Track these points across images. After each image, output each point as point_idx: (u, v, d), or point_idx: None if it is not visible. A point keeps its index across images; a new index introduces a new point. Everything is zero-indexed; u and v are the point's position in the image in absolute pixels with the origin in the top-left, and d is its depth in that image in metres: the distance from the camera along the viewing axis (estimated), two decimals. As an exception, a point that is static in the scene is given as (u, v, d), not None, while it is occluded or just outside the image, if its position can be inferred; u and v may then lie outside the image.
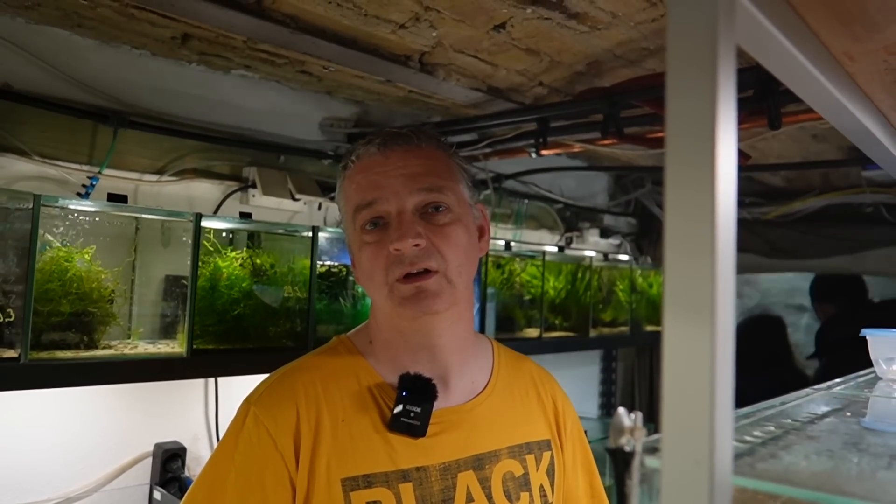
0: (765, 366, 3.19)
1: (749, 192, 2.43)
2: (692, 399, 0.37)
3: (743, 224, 2.52)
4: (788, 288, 4.32)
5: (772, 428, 0.57)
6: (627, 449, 0.45)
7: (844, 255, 2.42)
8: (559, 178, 2.30)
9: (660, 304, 2.43)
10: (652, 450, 0.43)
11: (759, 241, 2.56)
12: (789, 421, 0.60)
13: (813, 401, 0.74)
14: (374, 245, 0.91)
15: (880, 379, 0.93)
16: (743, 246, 2.61)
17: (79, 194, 1.23)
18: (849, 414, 0.66)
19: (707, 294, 0.36)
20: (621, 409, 0.45)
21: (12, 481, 1.26)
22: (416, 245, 0.88)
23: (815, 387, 0.84)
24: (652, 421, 2.43)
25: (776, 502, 0.52)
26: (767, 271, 3.04)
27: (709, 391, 0.36)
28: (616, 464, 0.45)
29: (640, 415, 0.46)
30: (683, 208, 0.37)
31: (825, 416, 0.65)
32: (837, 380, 0.92)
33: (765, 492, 0.40)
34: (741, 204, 2.40)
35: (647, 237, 2.72)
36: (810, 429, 0.57)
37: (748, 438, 0.52)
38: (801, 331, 4.07)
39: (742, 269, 3.12)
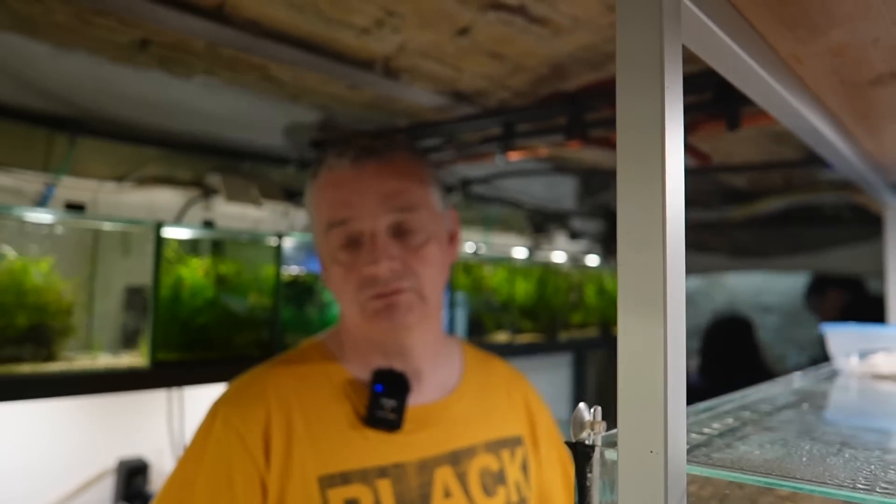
0: (735, 366, 3.24)
1: (714, 193, 2.47)
2: (646, 392, 0.37)
3: (708, 225, 2.56)
4: (755, 288, 4.41)
5: (730, 420, 0.58)
6: (588, 443, 0.45)
7: (807, 254, 2.48)
8: (527, 183, 2.32)
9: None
10: (611, 443, 0.43)
11: (724, 242, 2.61)
12: (748, 413, 0.61)
13: (772, 394, 0.76)
14: (347, 265, 0.92)
15: (838, 373, 0.95)
16: (709, 247, 2.66)
17: (37, 205, 1.20)
18: (806, 406, 0.68)
19: (658, 292, 0.37)
20: (582, 405, 0.46)
21: (-33, 501, 1.22)
22: (391, 268, 0.89)
23: (775, 380, 0.86)
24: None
25: (742, 491, 0.53)
26: (733, 270, 3.10)
27: (662, 384, 0.37)
28: (576, 457, 0.45)
29: (599, 409, 0.46)
30: (633, 200, 0.38)
31: (783, 408, 0.66)
32: (797, 373, 0.94)
33: (719, 479, 0.40)
34: (706, 205, 2.44)
35: (614, 239, 2.74)
36: (767, 420, 0.58)
37: (706, 430, 0.53)
38: (769, 331, 4.15)
39: (708, 269, 3.17)
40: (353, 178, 0.93)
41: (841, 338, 0.98)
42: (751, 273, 3.73)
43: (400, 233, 0.92)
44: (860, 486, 0.37)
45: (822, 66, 0.60)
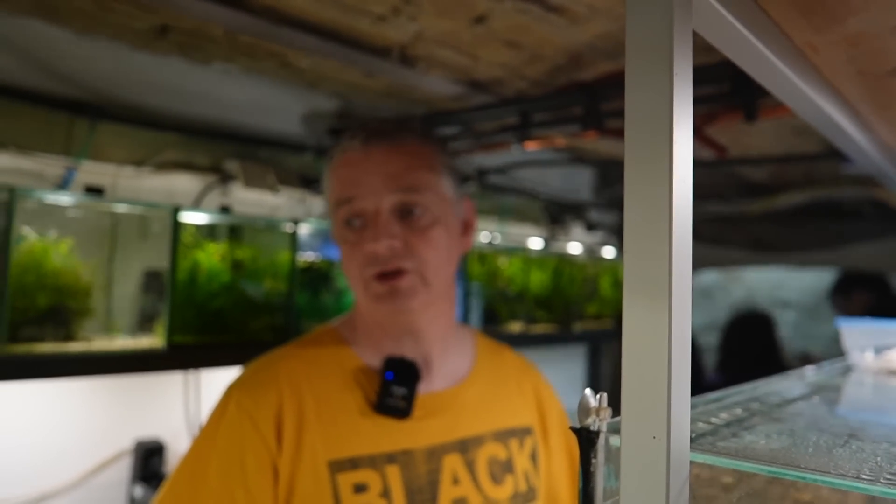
0: (754, 362, 3.22)
1: (732, 187, 2.45)
2: (650, 379, 0.37)
3: (726, 219, 2.53)
4: (774, 283, 4.36)
5: (739, 411, 0.57)
6: (593, 428, 0.46)
7: (827, 249, 2.45)
8: (543, 173, 2.31)
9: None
10: (616, 430, 0.44)
11: (742, 236, 2.58)
12: (757, 404, 0.61)
13: (784, 387, 0.75)
14: (351, 243, 0.93)
15: (853, 368, 0.95)
16: (726, 240, 2.63)
17: (58, 188, 1.23)
18: (816, 399, 0.67)
19: (664, 281, 0.37)
20: (588, 391, 0.46)
21: (-10, 477, 1.26)
22: (391, 246, 0.90)
23: (787, 373, 0.85)
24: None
25: (753, 480, 0.53)
26: (751, 265, 3.06)
27: (666, 371, 0.37)
28: (581, 443, 0.46)
29: (605, 396, 0.46)
30: (640, 188, 0.38)
31: (793, 400, 0.66)
32: (810, 367, 0.93)
33: (722, 467, 0.40)
34: (724, 199, 2.41)
35: (631, 232, 2.73)
36: (776, 412, 0.58)
37: (714, 420, 0.53)
38: (788, 326, 4.11)
39: (725, 263, 3.14)
40: (363, 158, 0.94)
41: (856, 333, 0.97)
42: (770, 267, 3.68)
43: (405, 213, 0.93)
44: (864, 476, 0.37)
45: (838, 56, 0.59)
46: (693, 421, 0.53)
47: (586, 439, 0.45)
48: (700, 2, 0.42)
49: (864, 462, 0.40)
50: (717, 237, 2.62)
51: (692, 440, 0.47)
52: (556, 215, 2.44)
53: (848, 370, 0.94)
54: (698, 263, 3.01)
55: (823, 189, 2.18)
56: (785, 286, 4.26)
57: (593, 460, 0.45)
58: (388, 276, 0.91)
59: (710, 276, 4.40)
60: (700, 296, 4.35)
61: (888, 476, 0.38)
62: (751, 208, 2.42)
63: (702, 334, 3.88)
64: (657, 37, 0.37)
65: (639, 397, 0.37)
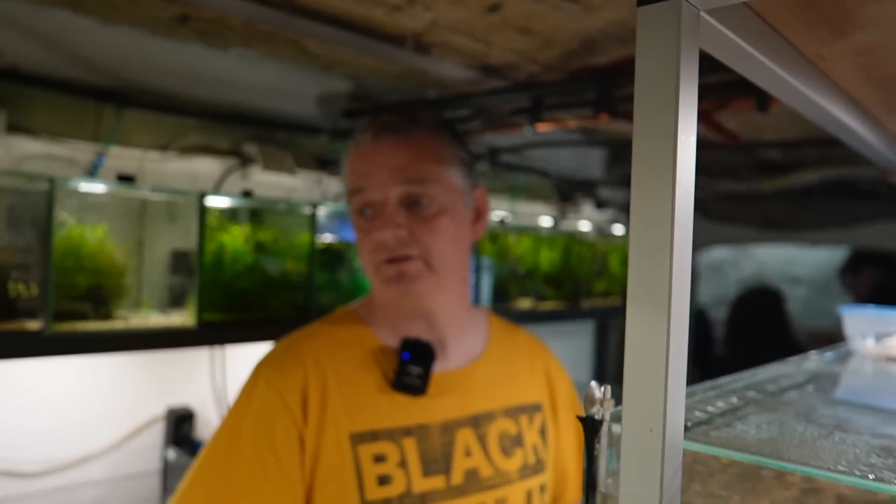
0: (762, 337, 3.25)
1: (745, 165, 2.45)
2: (649, 379, 0.42)
3: (738, 197, 2.55)
4: (786, 259, 4.37)
5: (734, 399, 0.62)
6: (597, 417, 0.50)
7: (840, 228, 2.46)
8: (555, 152, 2.33)
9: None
10: (618, 418, 0.48)
11: (754, 214, 2.59)
12: (752, 393, 0.65)
13: (782, 374, 0.79)
14: (364, 231, 0.98)
15: (853, 354, 0.98)
16: (738, 218, 2.65)
17: (88, 173, 1.28)
18: (811, 387, 0.71)
19: (664, 285, 0.41)
20: (593, 383, 0.50)
21: (37, 441, 1.35)
22: (397, 236, 0.95)
23: (788, 359, 0.89)
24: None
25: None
26: (762, 243, 3.07)
27: (663, 373, 0.41)
28: (586, 430, 0.50)
29: (608, 388, 0.51)
30: (645, 189, 0.41)
31: (789, 388, 0.70)
32: (812, 352, 0.97)
33: (713, 456, 0.45)
34: (736, 177, 2.42)
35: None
36: (770, 401, 0.62)
37: (710, 409, 0.57)
38: (798, 302, 4.13)
39: (736, 240, 3.16)
40: (373, 151, 0.99)
41: (858, 320, 1.01)
42: (781, 244, 3.69)
43: (412, 204, 0.97)
44: (841, 467, 0.42)
45: (847, 65, 0.61)
46: (690, 409, 0.57)
47: (591, 427, 0.50)
48: (706, 24, 0.45)
49: (843, 454, 0.45)
50: (729, 215, 2.64)
51: (688, 428, 0.52)
52: (567, 193, 2.47)
53: (848, 356, 0.98)
54: (709, 240, 3.01)
55: (838, 168, 2.18)
56: (797, 262, 4.26)
57: (597, 445, 0.50)
58: (397, 259, 0.96)
59: (721, 252, 4.41)
60: (710, 271, 4.36)
61: (862, 468, 0.42)
62: (763, 186, 2.43)
63: (711, 309, 3.92)
64: (665, 59, 0.41)
65: (638, 395, 0.42)
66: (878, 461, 0.43)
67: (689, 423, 0.53)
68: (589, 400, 0.51)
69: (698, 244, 2.73)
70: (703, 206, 2.68)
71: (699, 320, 3.27)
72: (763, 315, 3.40)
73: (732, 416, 0.55)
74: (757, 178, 2.45)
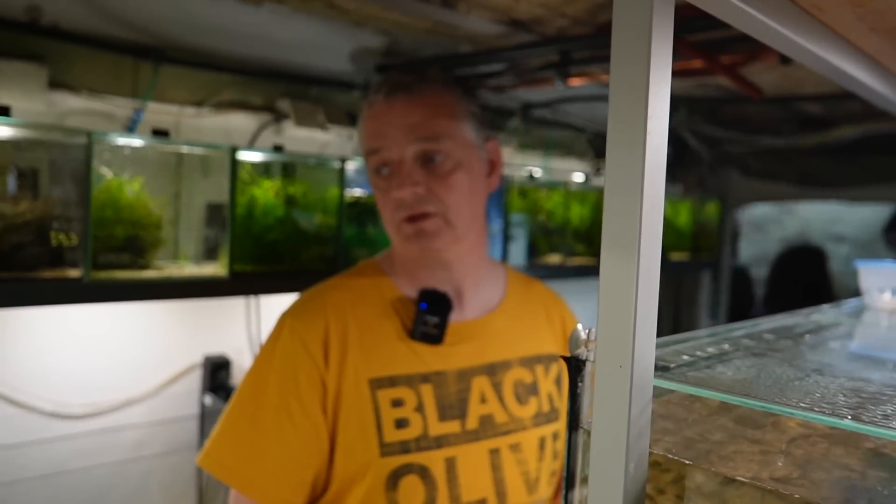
0: (804, 296, 3.20)
1: (785, 120, 2.38)
2: (618, 316, 0.44)
3: (777, 152, 2.48)
4: (830, 217, 4.24)
5: (726, 346, 0.64)
6: (582, 357, 0.53)
7: (880, 185, 2.38)
8: (591, 107, 2.30)
9: (686, 232, 2.46)
10: (603, 359, 0.51)
11: (793, 170, 2.53)
12: (747, 340, 0.67)
13: (787, 324, 0.81)
14: (382, 190, 1.02)
15: (866, 308, 0.98)
16: (777, 174, 2.58)
17: (127, 128, 1.34)
18: (809, 336, 0.73)
19: (634, 228, 0.43)
20: (579, 325, 0.54)
21: (81, 385, 1.45)
22: (414, 193, 0.98)
23: (797, 311, 0.90)
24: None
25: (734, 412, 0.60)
26: (803, 199, 2.99)
27: (632, 308, 0.44)
28: (570, 369, 0.54)
29: (593, 329, 0.54)
30: (618, 160, 0.44)
31: (787, 337, 0.72)
32: (825, 305, 0.97)
33: (684, 393, 0.48)
34: (776, 132, 2.36)
35: (678, 165, 2.71)
36: (760, 347, 0.64)
37: (698, 353, 0.60)
38: (841, 261, 4.02)
39: (775, 197, 3.09)
40: (386, 111, 1.01)
41: (874, 274, 1.01)
42: (825, 201, 3.59)
43: (427, 161, 1.00)
44: (802, 404, 0.44)
45: (847, 16, 0.61)
46: (679, 354, 0.60)
47: (574, 367, 0.53)
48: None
49: (810, 394, 0.47)
50: (767, 171, 2.58)
51: (670, 369, 0.55)
52: (601, 149, 2.44)
53: (862, 310, 0.98)
54: (748, 197, 2.95)
55: (879, 123, 2.11)
56: (841, 220, 4.14)
57: (580, 384, 0.53)
58: (416, 218, 0.99)
59: (763, 210, 4.30)
60: (752, 229, 4.27)
61: (823, 405, 0.44)
62: (803, 142, 2.36)
63: (753, 267, 3.85)
64: (639, 10, 0.42)
65: (609, 332, 0.45)
66: (842, 400, 0.46)
67: (672, 365, 0.55)
68: (574, 341, 0.54)
69: (737, 201, 2.68)
70: (742, 162, 2.62)
71: (740, 278, 3.23)
72: (805, 274, 3.34)
73: (717, 360, 0.57)
74: (797, 134, 2.38)
